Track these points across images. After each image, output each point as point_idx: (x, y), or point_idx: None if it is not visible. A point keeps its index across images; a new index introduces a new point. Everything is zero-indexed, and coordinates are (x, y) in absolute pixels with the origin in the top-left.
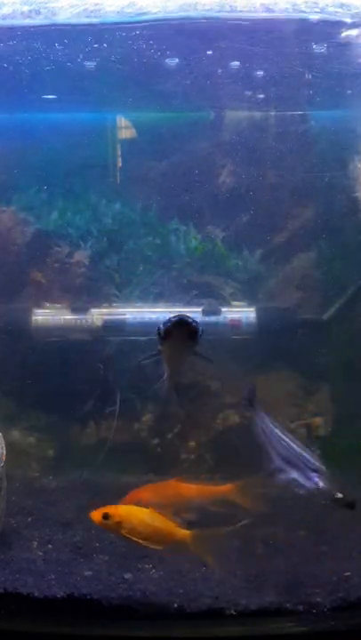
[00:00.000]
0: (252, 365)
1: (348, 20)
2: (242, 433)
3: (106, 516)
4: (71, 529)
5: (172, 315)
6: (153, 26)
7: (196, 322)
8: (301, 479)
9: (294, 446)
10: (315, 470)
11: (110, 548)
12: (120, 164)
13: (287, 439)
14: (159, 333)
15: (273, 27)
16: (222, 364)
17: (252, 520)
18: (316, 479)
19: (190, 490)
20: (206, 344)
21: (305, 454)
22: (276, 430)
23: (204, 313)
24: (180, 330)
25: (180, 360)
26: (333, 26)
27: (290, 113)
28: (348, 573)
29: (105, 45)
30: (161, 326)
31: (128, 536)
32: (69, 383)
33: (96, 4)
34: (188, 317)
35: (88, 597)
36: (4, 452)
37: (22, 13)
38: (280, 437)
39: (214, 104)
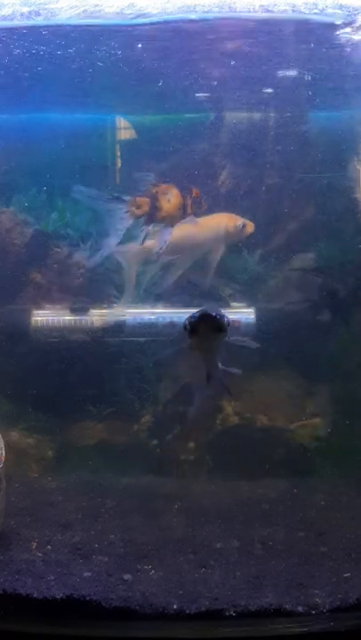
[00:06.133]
0: (252, 366)
1: (348, 21)
2: (241, 434)
3: None
4: (70, 530)
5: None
6: (153, 27)
7: (220, 315)
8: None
9: None
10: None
11: (109, 548)
12: (119, 165)
13: None
14: (185, 328)
15: (272, 28)
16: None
17: None
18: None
19: None
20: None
21: None
22: None
23: None
24: (207, 324)
25: (210, 353)
26: (333, 27)
27: (289, 114)
28: (348, 574)
29: (105, 46)
30: (187, 322)
31: None
32: (69, 384)
33: (96, 5)
34: (212, 312)
35: (87, 598)
36: (4, 453)
37: (22, 14)
38: None
39: (213, 105)
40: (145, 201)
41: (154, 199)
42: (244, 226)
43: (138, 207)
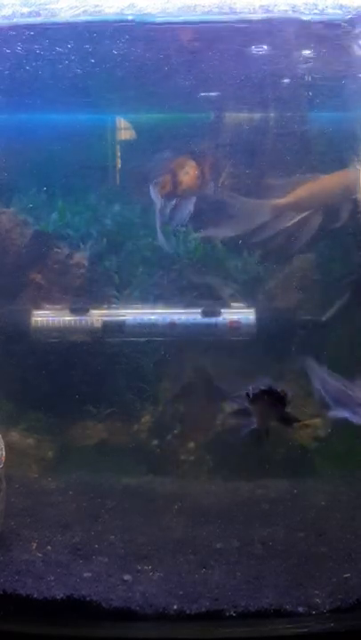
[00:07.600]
0: (252, 367)
1: (348, 22)
2: (241, 434)
3: None
4: (70, 530)
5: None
6: (153, 27)
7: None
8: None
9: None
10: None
11: (109, 549)
12: (119, 166)
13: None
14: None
15: (272, 28)
16: (222, 366)
17: None
18: None
19: None
20: (207, 346)
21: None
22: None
23: (204, 314)
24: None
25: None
26: (333, 27)
27: (289, 114)
28: (348, 574)
29: (105, 47)
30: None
31: None
32: (69, 384)
33: (96, 6)
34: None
35: (87, 599)
36: (4, 454)
37: (22, 15)
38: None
39: (213, 105)
40: (167, 179)
41: (173, 175)
42: None
43: (163, 187)
